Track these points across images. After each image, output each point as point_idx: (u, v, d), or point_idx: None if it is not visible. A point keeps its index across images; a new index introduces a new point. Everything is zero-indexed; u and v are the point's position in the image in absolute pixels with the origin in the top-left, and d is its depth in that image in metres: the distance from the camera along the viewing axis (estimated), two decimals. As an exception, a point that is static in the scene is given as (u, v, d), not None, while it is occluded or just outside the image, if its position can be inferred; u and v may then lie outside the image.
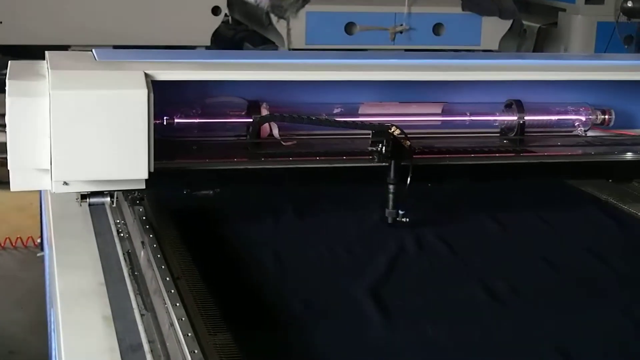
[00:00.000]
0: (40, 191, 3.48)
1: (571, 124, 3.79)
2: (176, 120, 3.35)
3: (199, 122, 3.39)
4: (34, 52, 6.74)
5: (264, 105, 3.42)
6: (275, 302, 2.67)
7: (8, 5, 7.37)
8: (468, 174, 3.51)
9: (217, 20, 7.72)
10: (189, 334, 2.23)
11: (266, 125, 3.40)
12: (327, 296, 2.74)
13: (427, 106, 3.68)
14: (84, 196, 3.14)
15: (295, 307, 2.63)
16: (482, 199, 3.59)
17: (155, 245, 2.80)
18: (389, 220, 3.23)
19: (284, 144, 3.41)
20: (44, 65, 3.15)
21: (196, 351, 2.15)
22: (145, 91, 2.88)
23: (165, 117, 3.32)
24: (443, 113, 3.68)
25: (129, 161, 2.92)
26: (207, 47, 7.60)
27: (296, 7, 7.65)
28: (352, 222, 3.32)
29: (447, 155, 3.47)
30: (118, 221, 3.18)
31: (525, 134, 3.68)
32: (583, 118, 3.76)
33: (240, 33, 8.76)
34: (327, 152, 3.40)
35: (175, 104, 3.36)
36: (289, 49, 7.61)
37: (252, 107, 3.42)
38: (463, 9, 7.91)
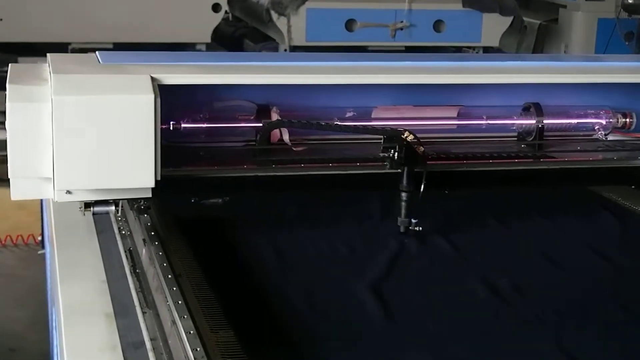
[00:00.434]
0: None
1: (591, 128, 3.65)
2: (183, 125, 3.21)
3: (206, 127, 3.24)
4: (35, 50, 6.67)
5: (274, 109, 3.28)
6: (281, 307, 2.61)
7: (9, 2, 7.30)
8: (486, 181, 3.41)
9: (218, 17, 7.67)
10: (191, 332, 2.20)
11: (276, 130, 3.24)
12: (333, 300, 2.68)
13: (443, 110, 3.54)
14: (87, 205, 2.99)
15: (301, 308, 2.60)
16: (501, 206, 3.48)
17: (157, 243, 2.73)
18: (402, 229, 3.11)
19: (294, 149, 3.28)
20: (45, 68, 3.02)
21: (198, 349, 2.13)
22: (152, 96, 2.74)
23: (171, 122, 3.17)
24: (459, 117, 3.54)
25: (134, 169, 2.78)
26: (207, 44, 7.56)
27: (296, 3, 7.60)
28: (365, 230, 3.21)
29: (464, 162, 3.36)
30: (123, 231, 3.05)
31: (544, 138, 3.54)
32: (603, 121, 3.63)
33: (240, 30, 8.71)
34: (340, 159, 3.29)
35: (182, 108, 3.22)
36: (290, 46, 7.59)
37: (262, 111, 3.28)
38: (463, 6, 7.85)
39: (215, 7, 7.61)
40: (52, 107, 2.69)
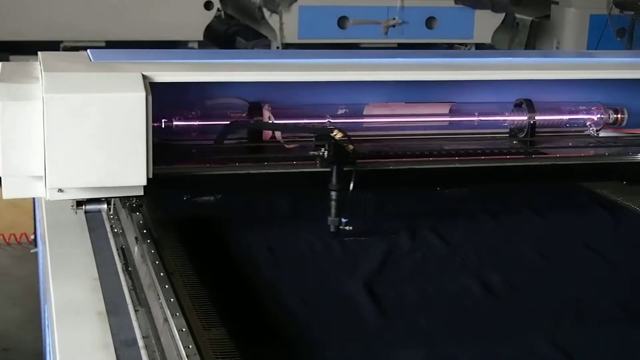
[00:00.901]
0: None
1: (583, 124, 3.65)
2: (175, 123, 3.18)
3: (198, 124, 3.22)
4: (27, 48, 6.65)
5: (266, 106, 3.26)
6: (274, 304, 2.61)
7: (0, 2, 7.23)
8: (477, 177, 3.39)
9: (210, 15, 7.65)
10: (184, 329, 2.20)
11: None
12: (326, 297, 2.68)
13: (435, 106, 3.52)
14: (79, 203, 2.99)
15: (292, 304, 2.60)
16: (494, 203, 3.49)
17: (149, 241, 2.72)
18: (332, 229, 3.06)
19: (287, 147, 3.25)
20: (37, 66, 3.00)
21: (190, 346, 2.12)
22: (144, 94, 2.73)
23: (163, 120, 3.15)
24: (451, 113, 3.52)
25: (126, 167, 2.76)
26: (199, 42, 7.54)
27: (289, 1, 7.58)
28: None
29: (395, 160, 3.30)
30: (115, 230, 3.04)
31: (536, 134, 3.53)
32: (595, 117, 3.62)
33: (232, 27, 8.72)
34: (275, 157, 3.24)
35: (174, 106, 3.20)
36: (282, 43, 7.58)
37: (254, 109, 3.26)
38: (456, 3, 7.86)
39: (208, 5, 7.59)
40: (43, 105, 2.67)
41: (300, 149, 3.26)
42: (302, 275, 2.83)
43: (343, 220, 3.04)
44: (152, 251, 2.65)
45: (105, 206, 3.02)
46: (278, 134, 3.26)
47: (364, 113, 3.45)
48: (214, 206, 3.30)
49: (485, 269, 2.88)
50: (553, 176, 3.46)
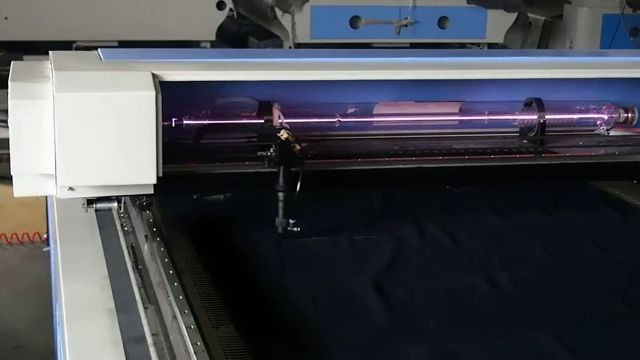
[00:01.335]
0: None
1: (593, 123, 3.65)
2: (185, 122, 3.19)
3: (208, 123, 3.22)
4: (40, 48, 6.69)
5: (276, 105, 3.27)
6: (282, 302, 2.62)
7: (14, 1, 7.30)
8: (486, 176, 3.39)
9: (222, 15, 7.68)
10: (192, 326, 2.20)
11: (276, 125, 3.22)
12: (335, 294, 2.69)
13: (444, 105, 3.53)
14: (90, 201, 3.03)
15: (301, 301, 2.61)
16: (501, 200, 3.50)
17: (158, 239, 2.73)
18: (280, 230, 3.02)
19: (296, 146, 3.20)
20: (48, 65, 3.03)
21: (199, 343, 2.13)
22: (153, 93, 2.75)
23: (173, 119, 3.16)
24: (461, 112, 3.53)
25: (136, 166, 2.78)
26: (212, 42, 7.56)
27: (301, 1, 7.61)
28: (367, 225, 3.22)
29: (341, 160, 3.26)
30: (126, 228, 3.06)
31: (546, 133, 3.53)
32: (605, 116, 3.61)
33: (245, 27, 8.74)
34: (231, 157, 3.22)
35: (184, 105, 3.21)
36: (294, 43, 7.59)
37: (264, 108, 3.27)
38: (468, 2, 7.87)
39: (220, 5, 7.63)
40: (53, 104, 2.69)
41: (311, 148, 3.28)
42: (310, 272, 2.86)
43: (291, 221, 3.01)
44: (162, 249, 2.66)
45: (115, 204, 3.06)
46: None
47: (374, 112, 3.45)
48: (223, 204, 3.31)
49: (492, 266, 2.90)
50: (562, 175, 3.46)
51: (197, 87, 3.18)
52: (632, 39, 8.00)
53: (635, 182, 3.64)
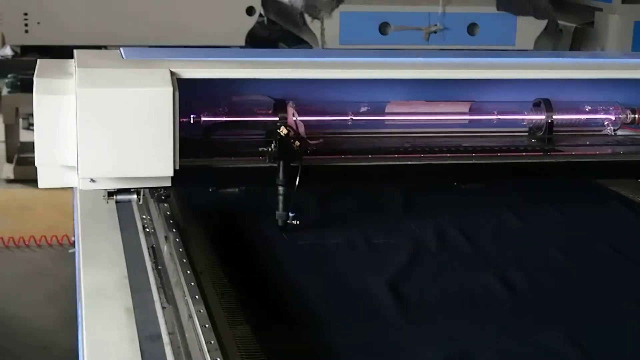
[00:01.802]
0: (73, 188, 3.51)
1: (600, 123, 3.74)
2: (203, 119, 3.34)
3: (225, 120, 3.37)
4: (71, 52, 6.86)
5: (290, 103, 3.40)
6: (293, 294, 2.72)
7: (46, 7, 7.48)
8: (492, 173, 3.51)
9: (252, 21, 7.85)
10: (207, 325, 2.25)
11: (291, 122, 3.38)
12: (350, 294, 2.75)
13: (454, 105, 3.65)
14: (110, 193, 3.18)
15: (315, 301, 2.67)
16: (507, 197, 3.61)
17: (177, 240, 2.82)
18: (280, 223, 3.15)
19: (310, 142, 3.38)
20: (71, 63, 3.19)
21: (212, 342, 2.18)
22: (171, 89, 2.90)
23: (192, 116, 3.31)
24: (471, 112, 3.65)
25: (154, 159, 2.93)
26: (241, 48, 7.67)
27: (330, 7, 7.73)
28: (383, 223, 3.35)
29: (342, 157, 3.37)
30: (144, 217, 3.22)
31: (554, 133, 3.63)
32: (612, 117, 3.71)
33: (274, 33, 8.86)
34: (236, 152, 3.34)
35: (202, 103, 3.36)
36: (323, 49, 7.62)
37: (278, 106, 3.41)
38: (498, 9, 7.96)
39: (250, 11, 7.77)
40: (76, 98, 2.86)
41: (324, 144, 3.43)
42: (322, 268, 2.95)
43: (290, 214, 3.15)
44: (181, 250, 2.75)
45: (135, 197, 3.21)
46: (302, 129, 3.40)
47: (386, 110, 3.57)
48: (238, 197, 3.47)
49: (504, 264, 2.97)
50: (568, 173, 3.55)
51: (215, 85, 3.33)
52: (663, 46, 8.06)
53: (639, 180, 3.74)
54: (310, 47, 7.92)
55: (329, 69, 3.39)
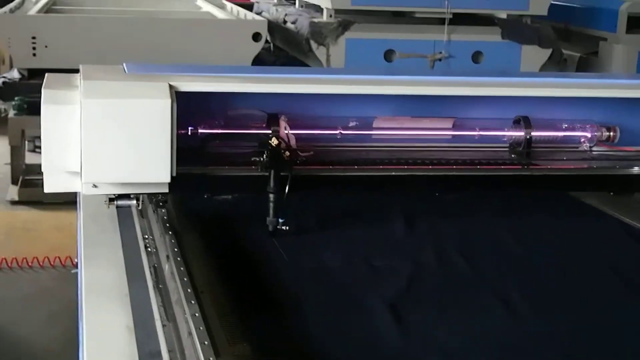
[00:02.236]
0: (77, 210, 3.78)
1: (577, 140, 3.98)
2: (200, 131, 3.62)
3: (221, 132, 3.66)
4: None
5: (283, 117, 3.68)
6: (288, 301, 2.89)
7: (54, 31, 7.75)
8: (472, 185, 3.77)
9: (258, 47, 8.01)
10: (206, 342, 2.35)
11: (283, 135, 3.66)
12: (347, 310, 2.88)
13: (439, 121, 3.90)
14: (111, 199, 3.45)
15: (309, 311, 2.83)
16: (484, 207, 3.85)
17: (179, 259, 2.97)
18: (270, 229, 3.42)
19: (300, 154, 3.67)
20: (77, 77, 3.47)
21: (211, 359, 2.28)
22: (169, 101, 3.18)
23: (190, 128, 3.60)
24: (454, 128, 3.90)
25: (152, 165, 3.20)
26: None
27: (336, 33, 7.90)
28: (377, 233, 3.58)
29: (330, 167, 3.68)
30: (146, 237, 3.36)
31: (532, 148, 3.88)
32: (589, 135, 3.95)
33: (280, 59, 9.03)
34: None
35: (200, 116, 3.64)
36: None
37: (272, 120, 3.68)
38: (502, 38, 8.14)
39: (256, 37, 7.91)
40: (81, 108, 3.14)
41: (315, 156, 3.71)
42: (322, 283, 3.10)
43: (280, 220, 3.43)
44: (182, 268, 2.88)
45: (134, 202, 3.49)
46: (292, 141, 3.67)
47: (374, 125, 3.83)
48: (231, 204, 3.75)
49: (467, 264, 3.22)
50: (544, 185, 3.81)
51: (212, 100, 3.61)
52: (667, 76, 8.21)
53: (612, 193, 4.00)
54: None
55: (318, 84, 3.66)
